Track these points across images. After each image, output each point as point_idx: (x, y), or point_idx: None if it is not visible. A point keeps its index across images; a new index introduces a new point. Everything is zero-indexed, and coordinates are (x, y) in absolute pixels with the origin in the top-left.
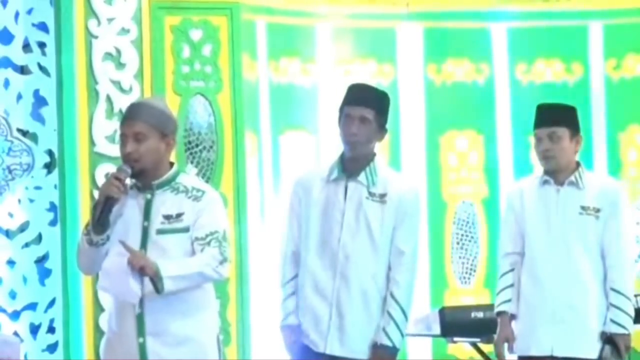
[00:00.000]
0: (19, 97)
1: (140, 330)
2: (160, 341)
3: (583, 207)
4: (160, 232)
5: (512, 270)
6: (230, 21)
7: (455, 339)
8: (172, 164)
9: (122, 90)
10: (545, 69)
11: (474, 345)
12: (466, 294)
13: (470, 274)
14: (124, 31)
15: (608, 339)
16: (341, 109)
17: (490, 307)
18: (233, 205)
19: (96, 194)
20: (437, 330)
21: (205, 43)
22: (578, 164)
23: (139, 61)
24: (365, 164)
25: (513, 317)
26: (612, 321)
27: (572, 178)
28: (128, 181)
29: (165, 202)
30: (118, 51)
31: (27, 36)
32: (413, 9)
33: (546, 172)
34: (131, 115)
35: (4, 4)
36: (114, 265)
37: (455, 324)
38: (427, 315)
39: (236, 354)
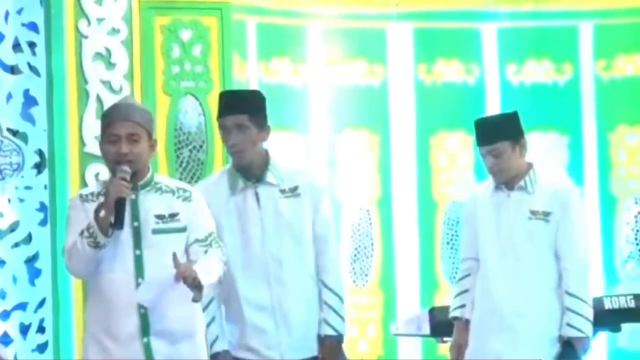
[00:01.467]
0: (9, 96)
1: (145, 330)
2: (163, 340)
3: (532, 212)
4: (156, 232)
5: (467, 275)
6: (221, 21)
7: (445, 338)
8: None
9: (112, 90)
10: (536, 69)
11: None
12: None
13: None
14: (114, 31)
15: (566, 343)
16: (218, 123)
17: None
18: None
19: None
20: (427, 330)
21: (195, 43)
22: (530, 166)
23: (129, 61)
24: (265, 165)
25: (469, 322)
26: (568, 325)
27: (522, 183)
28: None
29: (152, 202)
30: (108, 51)
31: (17, 36)
32: (403, 9)
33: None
34: (124, 116)
35: None
36: (157, 278)
37: (445, 324)
38: (417, 315)
39: None
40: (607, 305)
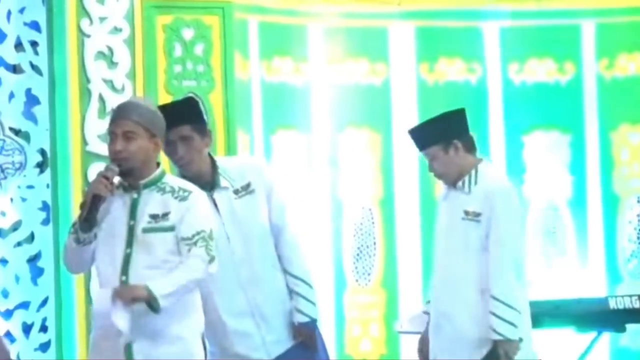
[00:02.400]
0: (11, 96)
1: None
2: (145, 341)
3: (466, 212)
4: (145, 230)
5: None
6: (223, 20)
7: None
8: (158, 164)
9: (114, 89)
10: (538, 68)
11: None
12: None
13: None
14: (116, 30)
15: (494, 346)
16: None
17: None
18: None
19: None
20: None
21: (197, 42)
22: (474, 166)
23: (131, 60)
24: (214, 170)
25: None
26: (491, 328)
27: (460, 183)
28: (115, 180)
29: (151, 202)
30: (110, 50)
31: (20, 35)
32: (405, 8)
33: None
34: (121, 114)
35: None
36: (100, 305)
37: None
38: (420, 312)
39: None
40: (612, 305)
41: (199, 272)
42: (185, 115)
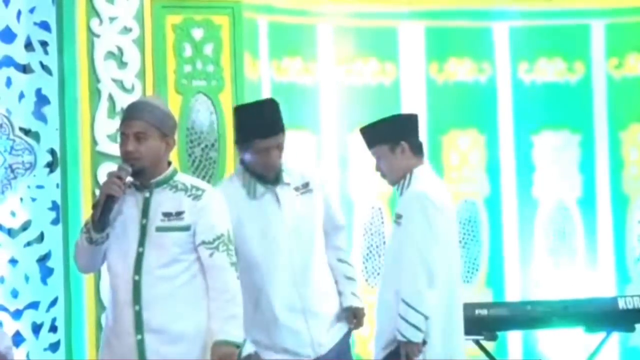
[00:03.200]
0: (21, 96)
1: (139, 328)
2: (158, 338)
3: (396, 214)
4: (159, 229)
5: None
6: (232, 20)
7: None
8: (169, 163)
9: (124, 89)
10: (547, 67)
11: (477, 342)
12: (468, 293)
13: (472, 272)
14: (126, 30)
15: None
16: (250, 141)
17: (494, 305)
18: None
19: (98, 192)
20: None
21: (207, 42)
22: (409, 170)
23: (141, 60)
24: (280, 167)
25: None
26: (396, 329)
27: (397, 185)
28: (127, 179)
29: (164, 200)
30: (120, 50)
31: (30, 35)
32: (414, 7)
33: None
34: (132, 115)
35: (6, 3)
36: None
37: None
38: None
39: None
40: (621, 305)
41: (238, 289)
42: (278, 127)
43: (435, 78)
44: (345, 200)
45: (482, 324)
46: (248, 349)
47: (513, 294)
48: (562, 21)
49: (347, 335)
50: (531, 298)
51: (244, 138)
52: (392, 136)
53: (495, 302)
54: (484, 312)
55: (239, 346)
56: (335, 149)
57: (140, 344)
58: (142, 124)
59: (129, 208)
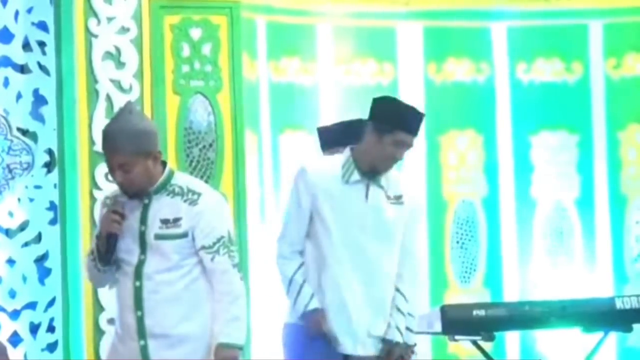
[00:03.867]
0: (19, 96)
1: (141, 333)
2: (161, 343)
3: None
4: (158, 237)
5: None
6: (230, 20)
7: (457, 337)
8: (164, 164)
9: (122, 89)
10: (545, 68)
11: (475, 343)
12: (466, 294)
13: (470, 273)
14: (124, 30)
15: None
16: (389, 131)
17: (491, 305)
18: (233, 205)
19: (96, 193)
20: (438, 327)
21: (205, 42)
22: None
23: (139, 60)
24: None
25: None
26: None
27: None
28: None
29: (162, 207)
30: (118, 50)
31: (27, 35)
32: (413, 7)
33: None
34: (111, 148)
35: (4, 3)
36: None
37: (457, 321)
38: (428, 313)
39: None
40: (619, 305)
41: (241, 290)
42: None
43: (433, 78)
44: None
45: (481, 324)
46: (314, 303)
47: (511, 294)
48: (560, 21)
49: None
50: (529, 298)
51: (390, 126)
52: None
53: (492, 302)
54: (482, 312)
55: (241, 348)
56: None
57: (144, 350)
58: (123, 157)
59: (128, 215)
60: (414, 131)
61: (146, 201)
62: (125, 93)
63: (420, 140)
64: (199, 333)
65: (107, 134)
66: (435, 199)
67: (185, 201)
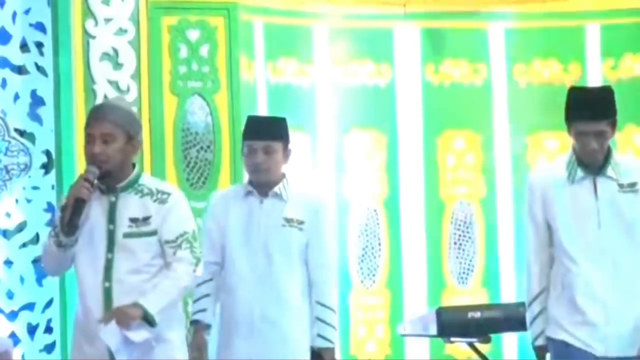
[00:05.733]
0: (17, 97)
1: None
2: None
3: (286, 219)
4: (127, 235)
5: (210, 279)
6: (228, 21)
7: (452, 339)
8: (134, 165)
9: (119, 90)
10: (543, 69)
11: (471, 345)
12: (463, 294)
13: (467, 274)
14: (122, 31)
15: (316, 354)
16: (571, 123)
17: (487, 307)
18: None
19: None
20: (434, 330)
21: (202, 43)
22: (284, 175)
23: (136, 61)
24: (607, 158)
25: (209, 326)
26: (319, 335)
27: (277, 189)
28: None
29: (130, 205)
30: (115, 51)
31: (25, 36)
32: (410, 9)
33: (250, 183)
34: (98, 116)
35: (2, 4)
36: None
37: (452, 324)
38: (424, 315)
39: None
40: None
41: (186, 279)
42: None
43: (430, 79)
44: (341, 202)
45: (477, 326)
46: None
47: (509, 295)
48: (558, 22)
49: None
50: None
51: (569, 118)
52: (288, 138)
53: (488, 304)
54: (477, 314)
55: (148, 319)
56: (331, 150)
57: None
58: (109, 125)
59: (95, 213)
60: (587, 117)
61: (113, 199)
62: (122, 94)
63: (417, 142)
64: (167, 335)
65: (96, 106)
66: (432, 200)
67: (155, 201)
